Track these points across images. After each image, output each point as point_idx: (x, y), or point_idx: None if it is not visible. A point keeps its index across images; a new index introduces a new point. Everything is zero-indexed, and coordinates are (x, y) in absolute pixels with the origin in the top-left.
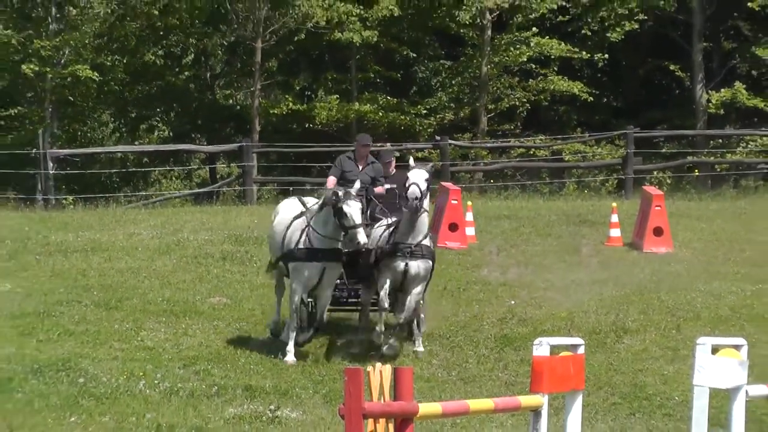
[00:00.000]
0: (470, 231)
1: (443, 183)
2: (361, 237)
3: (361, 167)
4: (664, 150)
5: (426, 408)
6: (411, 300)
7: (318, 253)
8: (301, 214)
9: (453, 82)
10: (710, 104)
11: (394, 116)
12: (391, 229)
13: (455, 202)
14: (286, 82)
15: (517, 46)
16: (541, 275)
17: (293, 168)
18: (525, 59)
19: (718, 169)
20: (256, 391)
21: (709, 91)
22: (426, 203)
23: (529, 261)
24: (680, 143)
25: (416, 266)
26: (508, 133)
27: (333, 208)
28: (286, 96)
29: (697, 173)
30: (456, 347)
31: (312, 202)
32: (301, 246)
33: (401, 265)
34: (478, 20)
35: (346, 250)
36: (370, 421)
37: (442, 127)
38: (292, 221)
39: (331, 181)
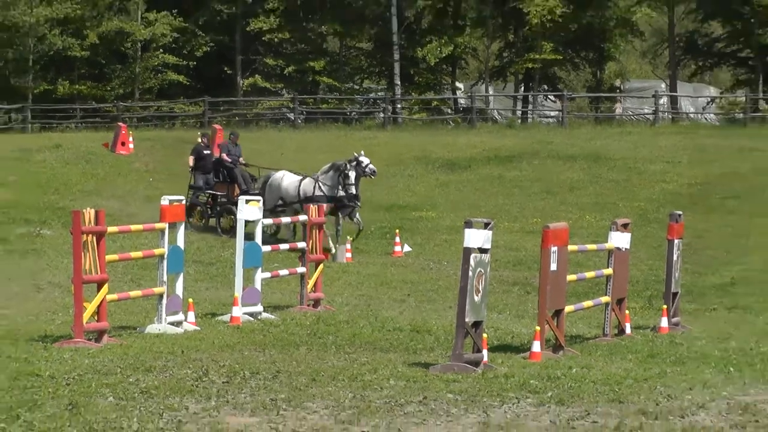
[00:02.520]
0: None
1: (119, 123)
2: (353, 189)
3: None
4: (222, 108)
5: (111, 229)
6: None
7: (327, 198)
8: (305, 177)
9: (124, 74)
10: (243, 86)
11: (97, 91)
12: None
13: (124, 133)
14: (44, 75)
15: (153, 59)
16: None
17: (47, 117)
18: (156, 63)
19: (249, 117)
20: (31, 222)
21: (243, 80)
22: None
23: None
24: (231, 104)
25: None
26: (148, 100)
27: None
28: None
29: (237, 119)
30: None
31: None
32: (318, 193)
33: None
34: (136, 47)
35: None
36: (84, 235)
37: (116, 95)
38: (300, 181)
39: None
